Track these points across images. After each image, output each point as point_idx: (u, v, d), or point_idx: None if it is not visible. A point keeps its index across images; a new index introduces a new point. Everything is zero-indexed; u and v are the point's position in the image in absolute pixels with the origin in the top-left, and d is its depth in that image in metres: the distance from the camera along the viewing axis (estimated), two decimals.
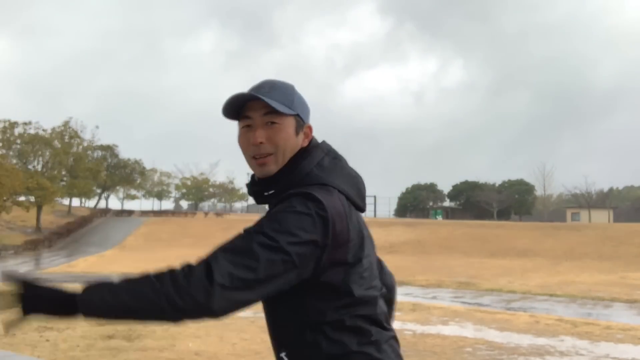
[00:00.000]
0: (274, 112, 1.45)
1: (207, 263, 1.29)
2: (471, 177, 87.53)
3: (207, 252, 1.33)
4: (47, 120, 58.40)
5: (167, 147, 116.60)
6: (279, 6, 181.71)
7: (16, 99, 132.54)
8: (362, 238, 1.46)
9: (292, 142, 1.49)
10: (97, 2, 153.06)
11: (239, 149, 1.55)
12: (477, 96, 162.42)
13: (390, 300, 1.64)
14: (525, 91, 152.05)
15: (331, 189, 1.43)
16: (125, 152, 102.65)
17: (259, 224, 1.37)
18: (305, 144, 1.53)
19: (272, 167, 1.48)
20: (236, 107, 1.49)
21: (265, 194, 1.50)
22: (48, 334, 8.12)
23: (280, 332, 1.47)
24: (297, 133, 1.51)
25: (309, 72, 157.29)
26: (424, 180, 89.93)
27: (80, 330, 8.52)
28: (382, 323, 1.47)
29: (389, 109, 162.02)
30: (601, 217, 67.42)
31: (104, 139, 68.03)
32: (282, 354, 1.43)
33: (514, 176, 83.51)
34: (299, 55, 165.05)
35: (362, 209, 1.53)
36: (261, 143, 1.47)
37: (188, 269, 1.29)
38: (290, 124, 1.49)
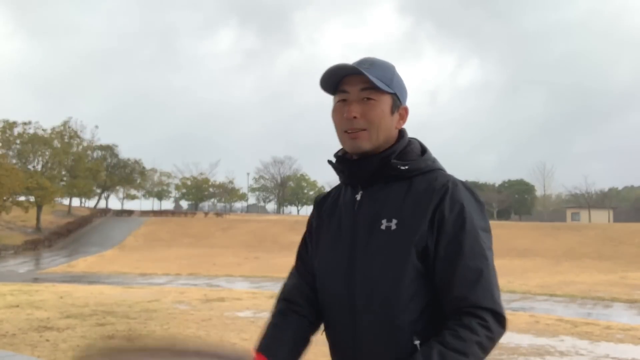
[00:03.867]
0: (371, 87, 1.42)
1: (498, 314, 1.32)
2: (480, 178, 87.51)
3: (483, 294, 1.33)
4: (58, 121, 58.65)
5: (175, 148, 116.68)
6: (300, 7, 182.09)
7: (28, 99, 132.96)
8: None
9: (387, 121, 1.45)
10: (114, 1, 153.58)
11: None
12: (492, 95, 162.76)
13: None
14: (541, 91, 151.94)
15: None
16: (132, 153, 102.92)
17: (481, 237, 1.40)
18: (400, 125, 1.50)
19: (365, 143, 1.44)
20: (334, 80, 1.46)
21: (402, 167, 1.43)
22: (48, 334, 8.12)
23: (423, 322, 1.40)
24: (392, 112, 1.47)
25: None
26: None
27: (80, 330, 8.52)
28: None
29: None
30: (601, 217, 67.40)
31: (110, 139, 68.16)
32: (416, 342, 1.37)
33: (523, 177, 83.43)
34: (315, 56, 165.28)
35: None
36: (355, 118, 1.43)
37: (488, 330, 1.30)
38: (386, 102, 1.45)
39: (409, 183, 1.43)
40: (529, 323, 10.53)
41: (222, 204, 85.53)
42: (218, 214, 65.41)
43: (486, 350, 1.29)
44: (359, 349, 1.41)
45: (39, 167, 55.27)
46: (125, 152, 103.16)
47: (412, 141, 1.51)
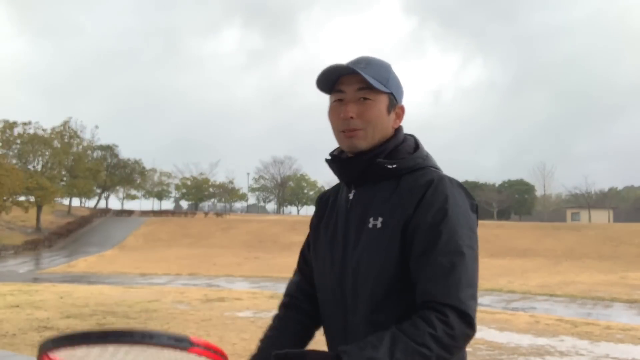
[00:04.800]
0: (368, 87, 1.43)
1: (462, 312, 1.26)
2: (482, 178, 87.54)
3: (447, 291, 1.27)
4: (62, 121, 58.87)
5: (175, 148, 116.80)
6: (305, 7, 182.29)
7: (32, 99, 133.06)
8: None
9: (384, 120, 1.46)
10: (118, 1, 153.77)
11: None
12: (495, 95, 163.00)
13: None
14: (544, 90, 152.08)
15: None
16: (133, 153, 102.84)
17: (460, 234, 1.33)
18: (397, 125, 1.51)
19: (362, 142, 1.45)
20: (330, 80, 1.47)
21: (389, 166, 1.44)
22: (48, 334, 8.12)
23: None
24: (388, 112, 1.48)
25: None
26: None
27: (80, 330, 8.53)
28: None
29: (407, 108, 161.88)
30: (601, 217, 67.41)
31: (111, 139, 68.10)
32: None
33: (524, 177, 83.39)
34: (319, 56, 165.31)
35: None
36: (352, 118, 1.44)
37: (446, 325, 1.24)
38: (383, 101, 1.46)
39: (397, 181, 1.44)
40: (529, 323, 10.53)
41: (222, 204, 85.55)
42: (218, 214, 65.39)
43: (446, 347, 1.24)
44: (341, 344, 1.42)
45: (39, 167, 55.30)
46: (128, 152, 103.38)
47: (407, 138, 1.52)
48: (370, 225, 1.42)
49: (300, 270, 1.67)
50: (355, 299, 1.42)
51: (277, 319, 1.61)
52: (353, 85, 1.44)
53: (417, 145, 1.51)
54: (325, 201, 1.62)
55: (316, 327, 1.60)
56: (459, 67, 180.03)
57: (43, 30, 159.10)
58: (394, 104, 1.50)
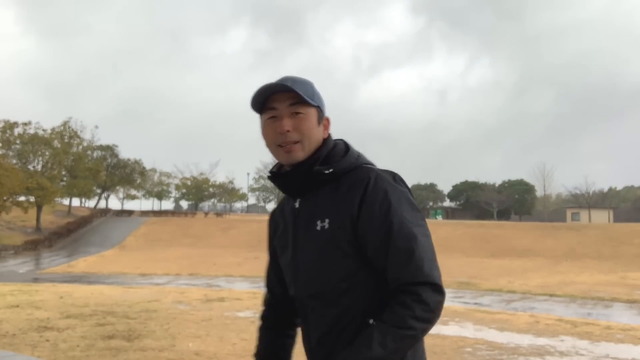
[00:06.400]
0: (299, 102, 1.53)
1: (431, 284, 1.41)
2: (484, 177, 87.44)
3: (414, 271, 1.41)
4: (62, 121, 59.21)
5: (175, 148, 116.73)
6: (312, 7, 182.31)
7: (37, 98, 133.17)
8: None
9: (316, 132, 1.57)
10: (125, 1, 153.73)
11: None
12: (501, 95, 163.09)
13: None
14: (550, 90, 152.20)
15: None
16: (135, 153, 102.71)
17: (409, 218, 1.45)
18: (326, 135, 1.62)
19: (300, 154, 1.55)
20: (263, 99, 1.55)
21: (326, 172, 1.53)
22: (48, 334, 8.12)
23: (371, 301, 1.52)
24: (318, 124, 1.59)
25: (335, 72, 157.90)
26: (434, 179, 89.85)
27: (80, 330, 8.53)
28: None
29: (413, 107, 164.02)
30: (601, 217, 67.43)
31: (113, 139, 68.00)
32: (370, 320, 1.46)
33: (524, 177, 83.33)
34: (326, 56, 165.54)
35: None
36: (288, 131, 1.53)
37: (421, 303, 1.39)
38: (313, 114, 1.56)
39: (337, 183, 1.53)
40: (529, 323, 10.53)
41: (222, 204, 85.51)
42: (218, 214, 65.39)
43: (427, 320, 1.39)
44: (314, 343, 1.56)
45: (39, 167, 55.25)
46: (128, 152, 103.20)
47: (338, 143, 1.62)
48: (318, 228, 1.51)
49: (266, 286, 1.82)
50: (312, 298, 1.54)
51: (260, 330, 1.81)
52: (285, 102, 1.53)
53: (347, 148, 1.61)
54: (276, 219, 1.74)
55: (292, 330, 1.78)
56: (466, 66, 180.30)
57: (50, 30, 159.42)
58: (322, 116, 1.60)
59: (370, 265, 1.47)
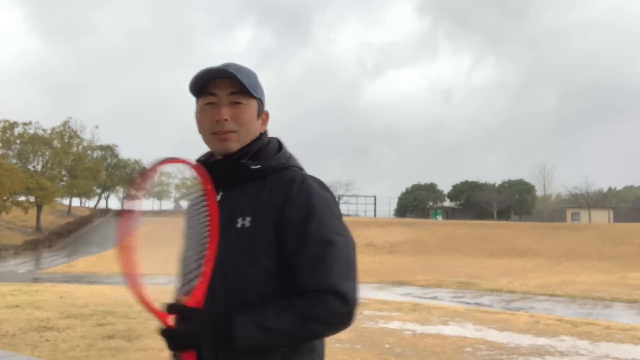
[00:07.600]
0: (241, 92, 1.47)
1: (338, 293, 1.34)
2: (484, 178, 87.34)
3: (320, 278, 1.36)
4: (61, 121, 59.39)
5: (176, 148, 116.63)
6: (319, 7, 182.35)
7: (42, 98, 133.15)
8: None
9: (254, 124, 1.52)
10: (130, 0, 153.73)
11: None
12: (505, 95, 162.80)
13: None
14: (554, 90, 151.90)
15: None
16: (134, 153, 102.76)
17: (328, 225, 1.41)
18: (263, 129, 1.56)
19: (234, 144, 1.48)
20: (203, 83, 1.48)
21: (252, 167, 1.48)
22: (48, 334, 8.12)
23: None
24: (258, 117, 1.53)
25: (340, 72, 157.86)
26: (434, 179, 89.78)
27: (80, 330, 8.53)
28: None
29: (417, 107, 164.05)
30: (601, 217, 67.38)
31: (115, 139, 68.03)
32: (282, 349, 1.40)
33: (524, 177, 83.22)
34: (331, 55, 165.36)
35: None
36: (225, 120, 1.46)
37: (325, 306, 1.33)
38: (253, 106, 1.51)
39: (263, 181, 1.48)
40: (529, 323, 10.53)
41: None
42: None
43: (327, 324, 1.34)
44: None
45: (39, 167, 55.31)
46: (128, 152, 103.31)
47: (272, 140, 1.57)
48: (239, 225, 1.44)
49: None
50: (228, 299, 1.42)
51: None
52: (226, 89, 1.47)
53: (280, 147, 1.56)
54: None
55: None
56: (471, 66, 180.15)
57: (54, 29, 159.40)
58: (262, 110, 1.55)
59: (288, 269, 1.41)
